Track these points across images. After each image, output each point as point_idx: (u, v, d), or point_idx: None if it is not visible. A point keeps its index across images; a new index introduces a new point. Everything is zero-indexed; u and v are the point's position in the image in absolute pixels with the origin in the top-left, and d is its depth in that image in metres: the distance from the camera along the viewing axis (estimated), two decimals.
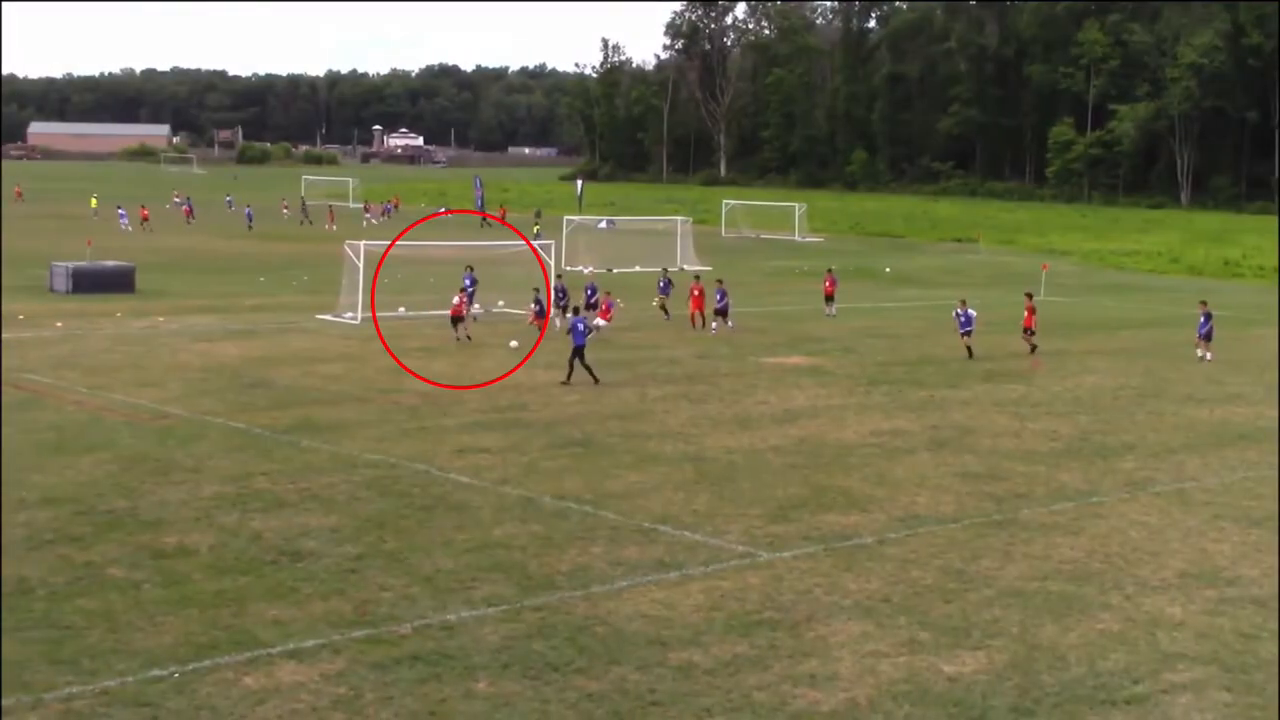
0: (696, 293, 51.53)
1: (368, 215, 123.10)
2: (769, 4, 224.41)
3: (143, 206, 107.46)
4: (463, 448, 29.52)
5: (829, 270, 58.83)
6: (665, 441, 30.96)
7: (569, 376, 37.95)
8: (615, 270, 76.86)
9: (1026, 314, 47.19)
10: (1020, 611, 19.76)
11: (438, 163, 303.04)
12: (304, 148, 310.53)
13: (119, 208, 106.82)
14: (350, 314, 50.23)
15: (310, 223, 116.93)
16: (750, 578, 21.01)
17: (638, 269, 78.20)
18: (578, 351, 38.13)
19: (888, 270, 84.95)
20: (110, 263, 63.68)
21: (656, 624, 18.79)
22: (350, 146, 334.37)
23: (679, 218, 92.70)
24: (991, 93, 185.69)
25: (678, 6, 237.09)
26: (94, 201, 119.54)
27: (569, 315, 41.33)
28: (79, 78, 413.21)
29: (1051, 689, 16.94)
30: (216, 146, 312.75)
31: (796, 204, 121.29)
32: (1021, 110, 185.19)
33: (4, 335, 44.13)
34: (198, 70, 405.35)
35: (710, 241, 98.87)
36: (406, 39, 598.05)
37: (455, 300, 46.39)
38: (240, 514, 23.78)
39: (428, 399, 35.50)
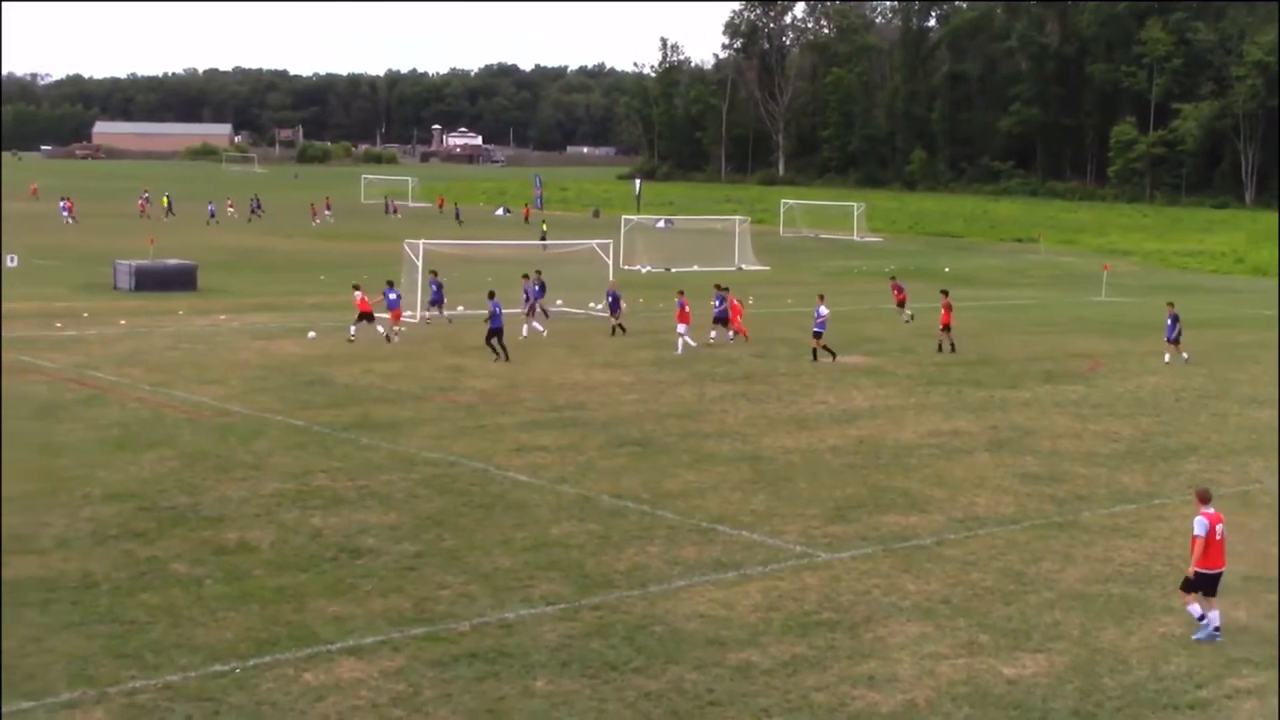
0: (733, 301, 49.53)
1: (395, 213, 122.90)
2: (828, 3, 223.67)
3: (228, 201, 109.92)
4: (521, 446, 29.59)
5: (892, 279, 57.69)
6: (723, 441, 30.92)
7: (496, 356, 41.01)
8: (673, 270, 76.85)
9: (943, 311, 46.78)
10: (1081, 614, 19.60)
11: (496, 162, 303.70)
12: (364, 147, 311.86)
13: (210, 204, 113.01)
14: (409, 313, 50.40)
15: (390, 215, 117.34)
16: (808, 578, 20.95)
17: (696, 268, 78.16)
18: (494, 332, 41.18)
19: (947, 270, 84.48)
20: (172, 261, 64.22)
21: (714, 624, 18.77)
22: (410, 145, 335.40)
23: (737, 217, 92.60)
24: (1052, 92, 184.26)
25: (737, 6, 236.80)
26: (165, 200, 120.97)
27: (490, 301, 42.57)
28: (143, 78, 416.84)
29: (1113, 693, 16.80)
30: (277, 146, 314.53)
31: (855, 203, 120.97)
32: (1083, 109, 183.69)
33: (69, 332, 44.65)
34: (259, 70, 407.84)
35: (768, 241, 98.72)
36: (466, 38, 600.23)
37: (358, 296, 45.42)
38: (300, 511, 23.92)
39: (486, 397, 35.60)
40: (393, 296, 46.07)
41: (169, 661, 16.81)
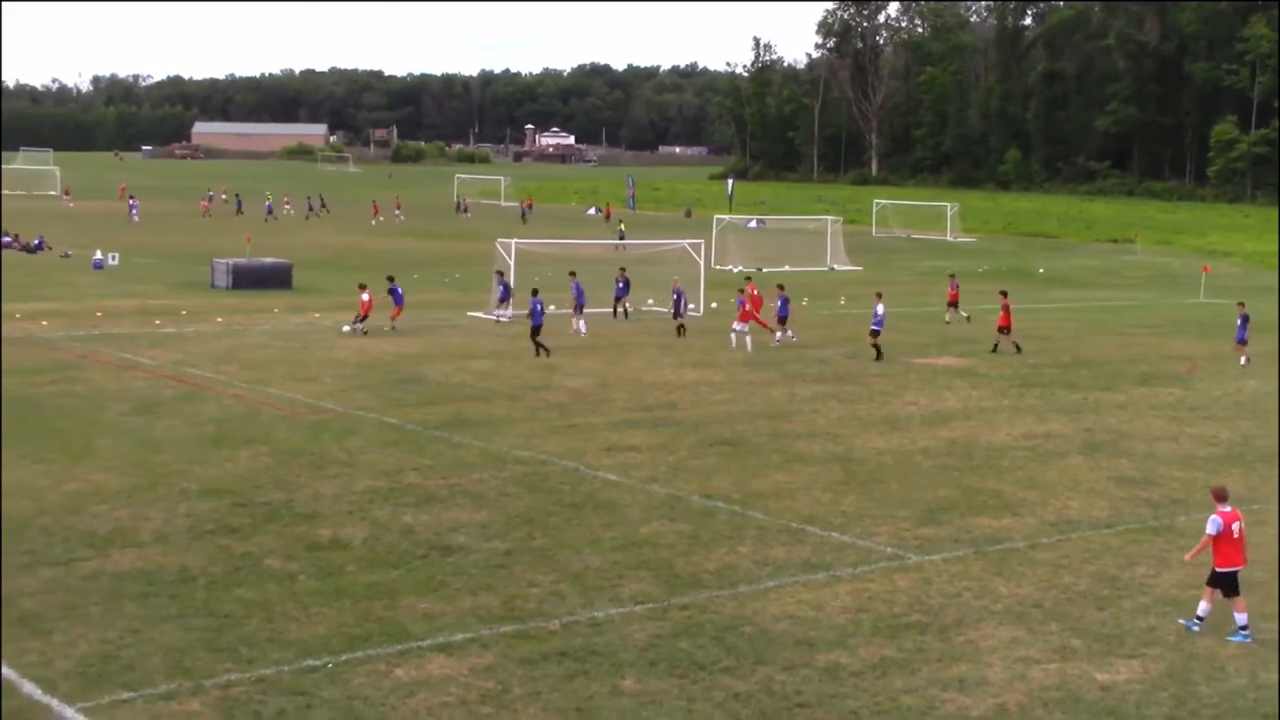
0: (753, 292, 48.35)
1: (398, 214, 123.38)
2: (923, 2, 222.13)
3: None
4: (611, 445, 29.66)
5: (951, 276, 57.14)
6: (814, 441, 30.83)
7: (537, 352, 41.65)
8: (765, 269, 76.69)
9: (1002, 313, 46.13)
10: (1177, 620, 19.35)
11: (589, 161, 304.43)
12: (457, 146, 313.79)
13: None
14: (498, 311, 50.65)
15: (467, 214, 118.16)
16: (898, 580, 20.84)
17: (787, 268, 78.02)
18: (536, 329, 41.85)
19: (1041, 271, 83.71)
20: (268, 259, 64.98)
21: (803, 625, 18.72)
22: (503, 145, 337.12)
23: (829, 217, 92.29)
24: (1151, 90, 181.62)
25: (830, 5, 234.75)
26: (269, 196, 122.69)
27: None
28: (241, 78, 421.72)
29: (1210, 700, 16.57)
30: (372, 145, 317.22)
31: (948, 203, 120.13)
32: (1182, 108, 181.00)
33: (168, 329, 45.34)
34: (355, 70, 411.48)
35: (860, 241, 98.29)
36: (559, 38, 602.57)
37: (365, 297, 45.91)
38: (392, 508, 24.13)
39: (577, 396, 35.72)
40: (400, 292, 47.05)
41: (263, 655, 17.02)
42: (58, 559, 20.63)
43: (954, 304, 54.41)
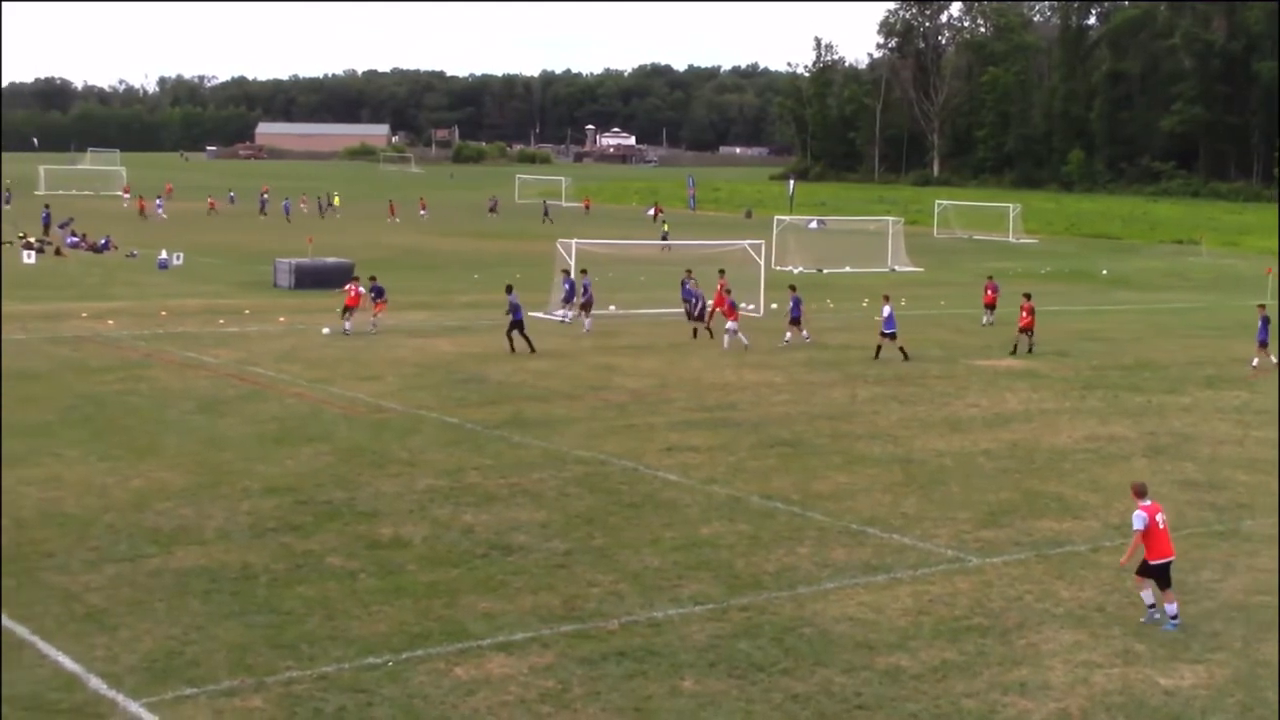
0: (723, 290, 48.53)
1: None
2: (985, 2, 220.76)
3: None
4: (671, 446, 29.66)
5: (989, 278, 56.09)
6: (874, 443, 30.72)
7: (513, 348, 41.94)
8: (825, 270, 76.51)
9: (1023, 314, 45.43)
10: (1243, 626, 19.15)
11: (649, 162, 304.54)
12: (518, 147, 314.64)
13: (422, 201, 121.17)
14: (561, 311, 50.75)
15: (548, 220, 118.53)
16: (959, 582, 20.74)
17: (848, 269, 77.83)
18: (516, 325, 42.08)
19: (1104, 273, 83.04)
20: (330, 259, 65.39)
21: (863, 627, 18.66)
22: (563, 145, 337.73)
23: (890, 218, 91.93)
24: (1217, 90, 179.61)
25: (892, 5, 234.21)
26: (337, 199, 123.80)
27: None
28: (304, 79, 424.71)
29: (1277, 708, 16.39)
30: (434, 146, 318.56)
31: (1011, 204, 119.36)
32: (1249, 108, 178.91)
33: (231, 329, 45.71)
34: (417, 71, 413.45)
35: (922, 242, 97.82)
36: (620, 38, 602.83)
37: (349, 288, 45.89)
38: (453, 507, 24.22)
39: (637, 396, 35.75)
40: (379, 287, 46.55)
41: (324, 653, 17.13)
42: (123, 555, 20.86)
43: (991, 306, 53.81)
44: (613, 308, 52.40)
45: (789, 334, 46.08)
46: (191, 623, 18.03)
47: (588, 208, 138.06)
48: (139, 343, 42.66)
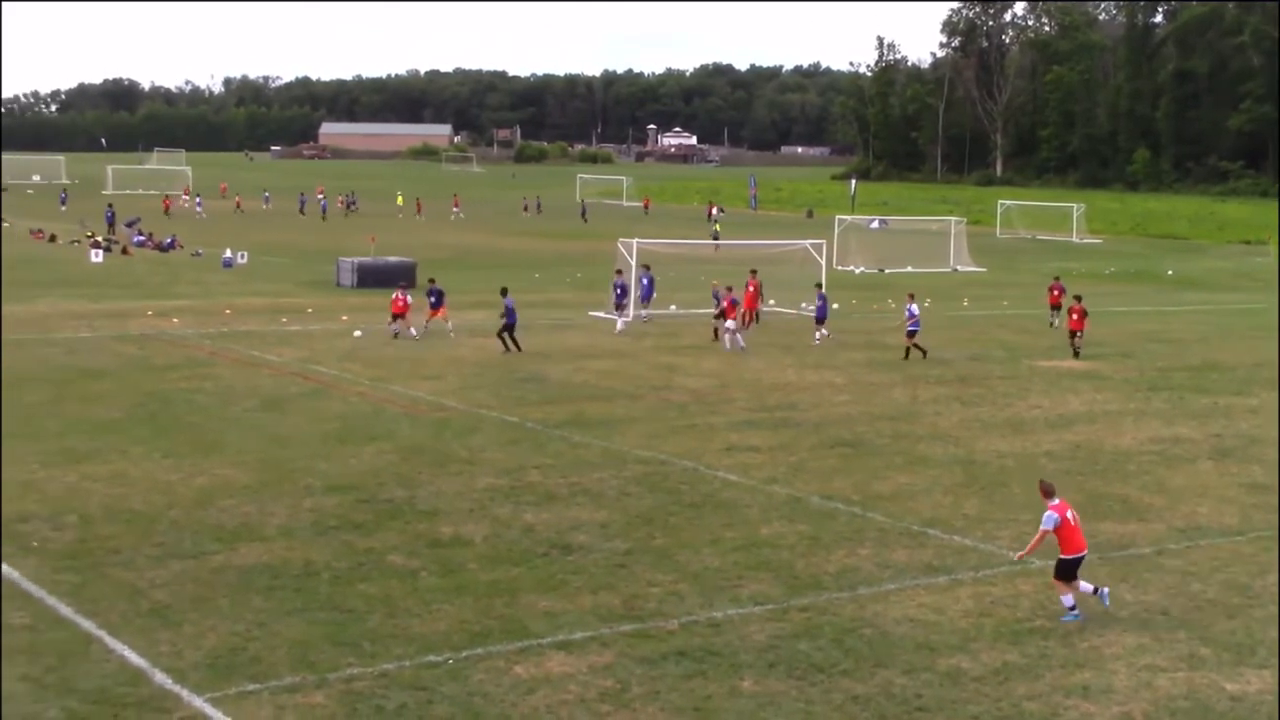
0: (751, 288, 49.25)
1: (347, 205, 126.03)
2: (1050, 1, 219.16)
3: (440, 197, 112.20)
4: (731, 446, 29.63)
5: (1055, 278, 55.44)
6: (935, 444, 30.57)
7: (506, 348, 41.80)
8: (887, 270, 76.24)
9: (1074, 316, 44.65)
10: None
11: (711, 161, 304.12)
12: (580, 146, 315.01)
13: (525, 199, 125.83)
14: (643, 311, 50.77)
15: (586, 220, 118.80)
16: (1021, 585, 20.60)
17: (909, 269, 77.52)
18: (508, 327, 41.96)
19: (1170, 273, 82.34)
20: (393, 258, 65.73)
21: (924, 628, 18.57)
22: (625, 145, 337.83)
23: (953, 218, 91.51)
24: None
25: (955, 4, 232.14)
26: (400, 199, 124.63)
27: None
28: (367, 79, 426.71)
29: None
30: (495, 145, 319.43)
31: (1075, 204, 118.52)
32: None
33: (294, 327, 46.04)
34: (479, 71, 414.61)
35: (984, 242, 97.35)
36: (682, 38, 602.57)
37: (396, 297, 44.85)
38: (513, 506, 24.29)
39: (697, 396, 35.73)
40: (438, 290, 45.86)
41: (385, 650, 17.22)
42: (187, 552, 21.05)
43: (1056, 307, 53.12)
44: (673, 307, 52.39)
45: (819, 333, 45.94)
46: (254, 619, 18.17)
47: (647, 207, 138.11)
48: (204, 341, 43.05)
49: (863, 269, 75.60)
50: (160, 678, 16.17)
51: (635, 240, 53.42)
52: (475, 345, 43.28)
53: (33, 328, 44.96)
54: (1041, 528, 19.15)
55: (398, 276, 60.43)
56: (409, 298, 45.21)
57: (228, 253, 71.45)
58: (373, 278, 60.58)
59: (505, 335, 42.10)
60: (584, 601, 19.25)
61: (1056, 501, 19.20)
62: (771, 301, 54.45)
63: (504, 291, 42.72)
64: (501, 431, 30.64)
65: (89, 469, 26.04)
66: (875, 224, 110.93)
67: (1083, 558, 19.14)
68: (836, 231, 77.88)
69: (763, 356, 42.86)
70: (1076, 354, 44.16)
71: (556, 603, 19.16)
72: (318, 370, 38.20)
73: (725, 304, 44.34)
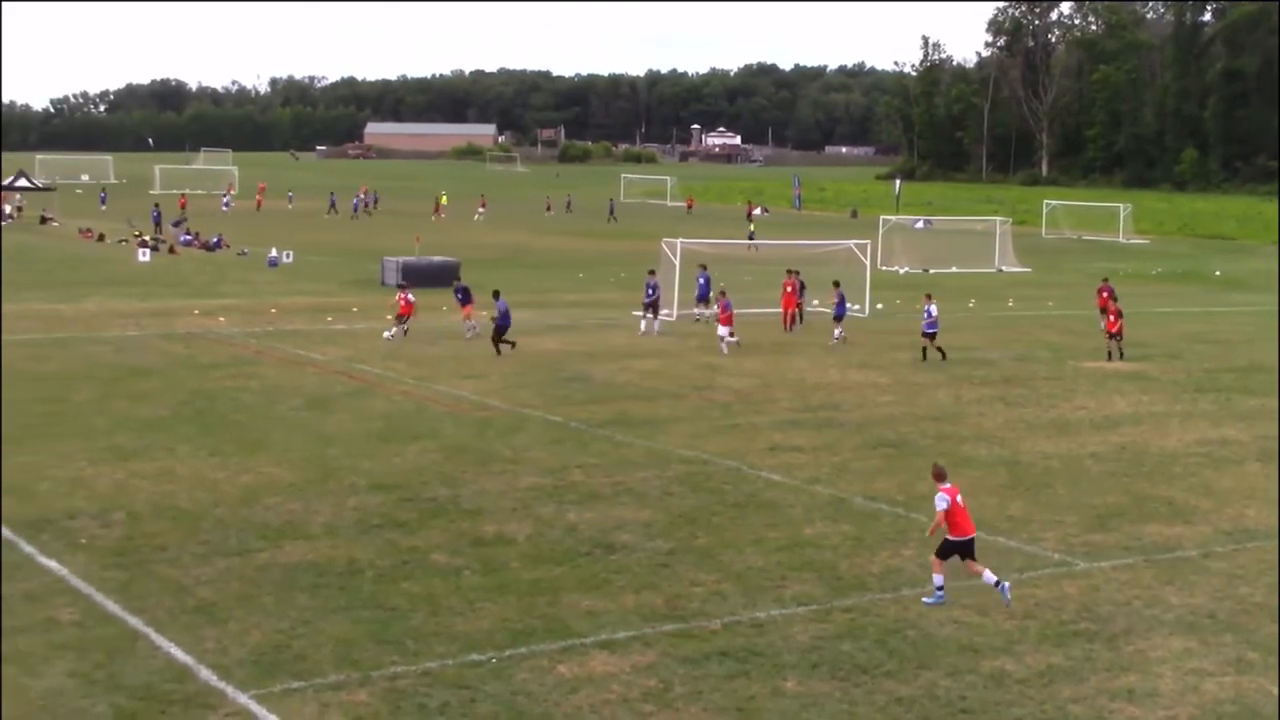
0: (789, 288, 48.99)
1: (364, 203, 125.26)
2: (1097, 0, 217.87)
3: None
4: (775, 446, 29.60)
5: (1104, 280, 54.51)
6: (979, 445, 30.46)
7: (499, 351, 41.04)
8: (931, 270, 75.96)
9: (1111, 318, 44.01)
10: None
11: (755, 161, 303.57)
12: (624, 146, 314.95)
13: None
14: (666, 311, 50.80)
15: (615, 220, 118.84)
16: (1066, 586, 20.50)
17: (954, 269, 77.24)
18: (501, 329, 41.22)
19: (1218, 274, 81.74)
20: (437, 258, 65.90)
21: (968, 630, 18.50)
22: (669, 145, 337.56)
23: (998, 218, 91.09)
24: None
25: (1001, 3, 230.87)
26: (444, 198, 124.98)
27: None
28: (412, 79, 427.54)
29: None
30: (539, 145, 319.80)
31: (1121, 204, 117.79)
32: None
33: (339, 326, 46.23)
34: (523, 71, 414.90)
35: (1030, 242, 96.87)
36: (726, 38, 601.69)
37: (398, 298, 44.53)
38: (556, 505, 24.33)
39: (741, 396, 35.71)
40: (464, 288, 45.76)
41: (428, 649, 17.28)
42: (233, 550, 21.18)
43: (1104, 310, 52.33)
44: (715, 307, 52.29)
45: (836, 331, 45.78)
46: (299, 617, 18.27)
47: (690, 207, 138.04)
48: (249, 340, 43.30)
49: (907, 269, 75.34)
50: (205, 674, 16.28)
51: (680, 240, 53.40)
52: (519, 344, 43.31)
53: (81, 326, 45.33)
54: (937, 509, 19.56)
55: (443, 276, 60.68)
56: (411, 297, 44.46)
57: (273, 252, 71.78)
58: (417, 277, 60.67)
59: (497, 338, 41.41)
60: (627, 601, 19.27)
61: (948, 485, 19.65)
62: (815, 302, 54.30)
63: (496, 294, 42.17)
64: (545, 431, 30.69)
65: (136, 466, 26.25)
66: (920, 224, 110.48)
67: (970, 540, 19.60)
68: (881, 231, 77.63)
69: (806, 356, 42.78)
70: (1111, 355, 43.49)
71: (599, 602, 19.19)
72: (362, 369, 38.36)
73: (720, 309, 43.77)
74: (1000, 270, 79.27)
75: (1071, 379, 40.01)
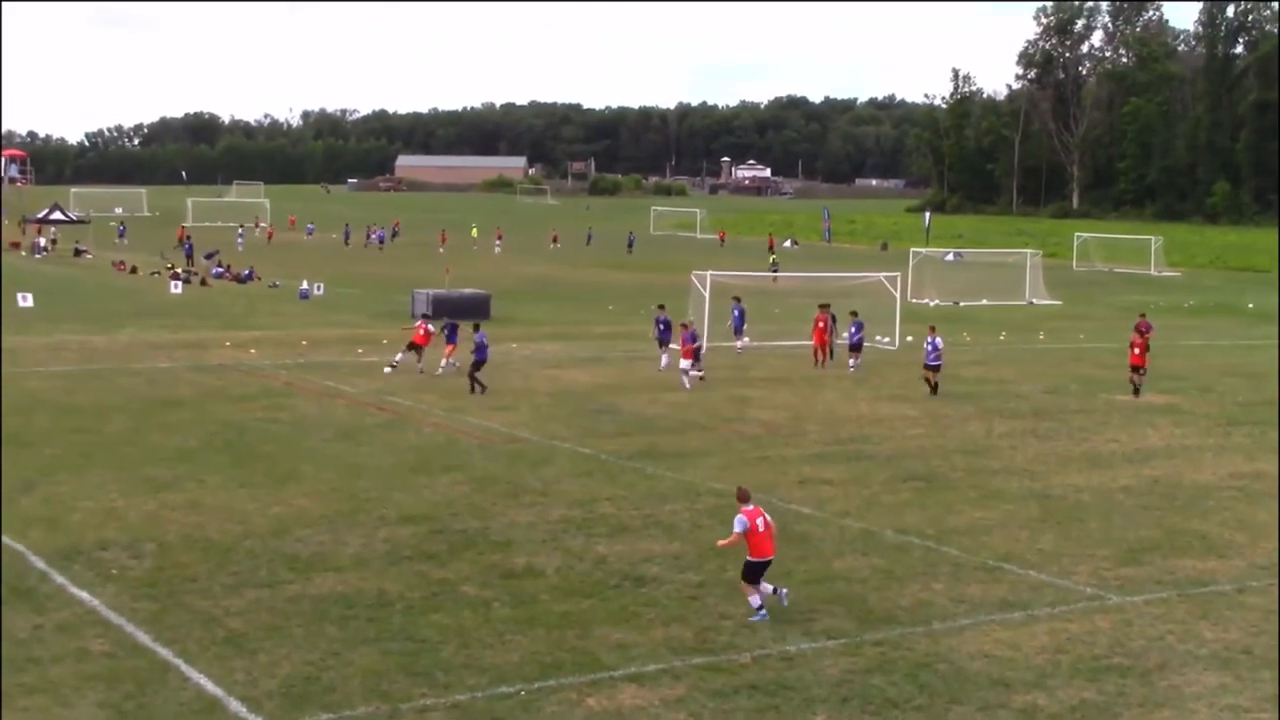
0: (821, 324, 48.40)
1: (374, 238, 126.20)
2: (1128, 32, 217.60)
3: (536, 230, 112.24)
4: (805, 479, 29.52)
5: (1141, 315, 52.94)
6: (1011, 478, 30.33)
7: (473, 388, 39.83)
8: (962, 303, 75.82)
9: (1135, 351, 42.93)
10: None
11: (785, 194, 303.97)
12: (654, 179, 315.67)
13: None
14: (740, 341, 50.76)
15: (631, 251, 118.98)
16: (1099, 621, 20.36)
17: (985, 302, 77.05)
18: (478, 364, 40.12)
19: (1250, 306, 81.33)
20: (468, 290, 66.09)
21: (1000, 664, 18.39)
22: (699, 178, 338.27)
23: (1028, 251, 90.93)
24: None
25: (1031, 36, 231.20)
26: (475, 231, 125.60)
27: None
28: (443, 112, 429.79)
29: None
30: (570, 178, 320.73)
31: (1153, 237, 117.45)
32: None
33: (370, 358, 46.31)
34: (554, 104, 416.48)
35: (1060, 275, 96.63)
36: (756, 71, 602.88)
37: (418, 325, 44.09)
38: (586, 538, 24.30)
39: (770, 429, 35.65)
40: (454, 324, 44.90)
41: (458, 681, 17.25)
42: (263, 581, 21.21)
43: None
44: (746, 339, 52.31)
45: (852, 361, 45.67)
46: (328, 648, 18.27)
47: (723, 240, 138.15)
48: (280, 371, 43.44)
49: (937, 302, 75.21)
50: (235, 706, 16.28)
51: (709, 272, 53.44)
52: (548, 377, 43.40)
53: (114, 358, 45.57)
54: (734, 530, 20.14)
55: (472, 308, 60.84)
56: (430, 327, 44.00)
57: (304, 284, 72.12)
58: (447, 309, 60.81)
59: (474, 371, 40.28)
60: (656, 634, 19.22)
61: (751, 508, 20.28)
62: (844, 335, 54.23)
63: (476, 327, 41.61)
64: (574, 463, 30.68)
65: (167, 497, 26.33)
66: (950, 256, 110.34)
67: (768, 562, 20.15)
68: (911, 264, 77.55)
69: (835, 389, 42.70)
70: (1136, 390, 42.66)
71: (629, 635, 19.14)
72: (393, 401, 38.44)
73: (684, 343, 42.85)
74: (1031, 303, 79.07)
75: (1103, 412, 39.83)
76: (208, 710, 16.19)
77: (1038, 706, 16.94)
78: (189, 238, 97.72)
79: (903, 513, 26.77)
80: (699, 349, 43.57)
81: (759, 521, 20.12)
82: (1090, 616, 20.57)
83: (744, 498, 20.50)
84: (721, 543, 21.02)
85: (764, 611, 19.92)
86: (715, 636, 19.18)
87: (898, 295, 55.23)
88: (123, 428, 33.40)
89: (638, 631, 19.31)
